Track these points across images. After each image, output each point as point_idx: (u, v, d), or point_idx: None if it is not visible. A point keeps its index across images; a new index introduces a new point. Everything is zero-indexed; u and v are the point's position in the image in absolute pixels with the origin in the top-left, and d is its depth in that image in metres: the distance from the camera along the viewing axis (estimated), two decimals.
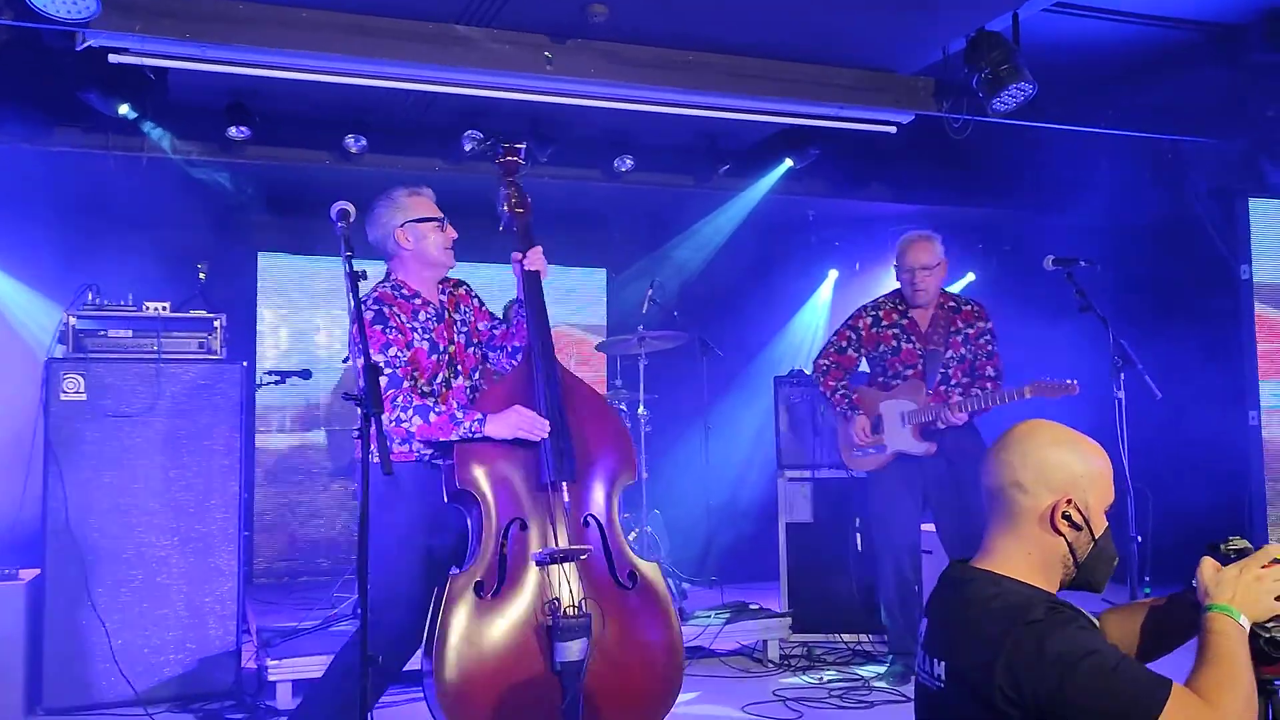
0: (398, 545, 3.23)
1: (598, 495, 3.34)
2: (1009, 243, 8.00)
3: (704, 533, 6.56)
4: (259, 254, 7.24)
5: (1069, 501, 1.72)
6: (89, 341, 4.61)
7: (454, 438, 3.18)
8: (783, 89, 5.41)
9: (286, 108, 5.80)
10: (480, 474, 3.23)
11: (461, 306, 3.53)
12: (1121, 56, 5.61)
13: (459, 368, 3.42)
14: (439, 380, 3.34)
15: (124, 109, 5.25)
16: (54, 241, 6.10)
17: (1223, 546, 1.76)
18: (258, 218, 6.81)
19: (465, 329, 3.50)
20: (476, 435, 3.19)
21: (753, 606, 5.38)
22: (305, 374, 5.74)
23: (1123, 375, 4.10)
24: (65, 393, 4.51)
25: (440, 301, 3.46)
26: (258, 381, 6.40)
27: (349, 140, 5.87)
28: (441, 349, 3.37)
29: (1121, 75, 5.77)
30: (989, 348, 4.76)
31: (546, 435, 3.21)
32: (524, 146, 3.57)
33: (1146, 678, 1.59)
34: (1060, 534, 1.73)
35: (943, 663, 1.72)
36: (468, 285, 3.62)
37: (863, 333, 4.86)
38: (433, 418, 3.18)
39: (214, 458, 4.68)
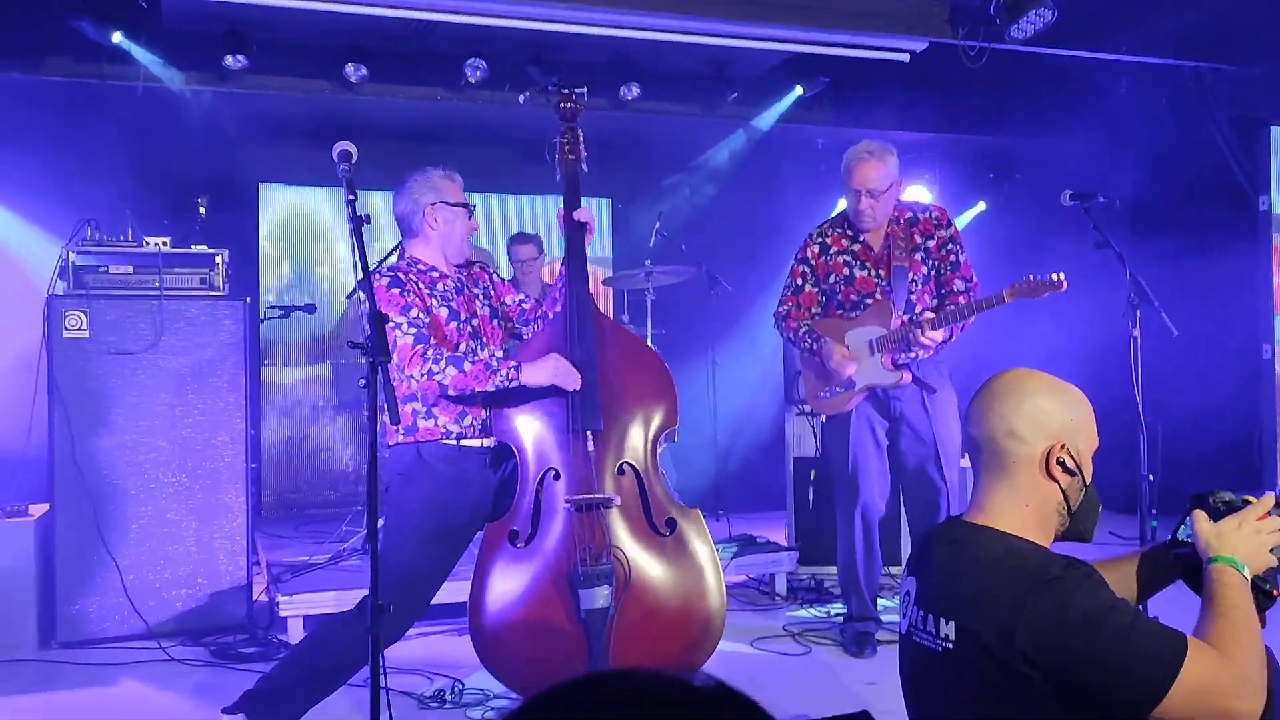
0: (410, 527, 3.18)
1: (634, 442, 3.32)
2: (1021, 171, 7.87)
3: (711, 466, 6.57)
4: (259, 185, 7.13)
5: (1062, 446, 1.71)
6: (90, 278, 4.55)
7: (490, 387, 3.15)
8: (794, 16, 5.25)
9: (284, 36, 5.66)
10: (514, 425, 3.27)
11: (480, 282, 3.48)
12: None
13: (484, 339, 3.36)
14: (463, 350, 3.26)
15: (117, 37, 5.13)
16: (49, 174, 5.99)
17: (1211, 499, 1.77)
18: (257, 149, 6.70)
19: (488, 301, 3.45)
20: (513, 383, 3.16)
21: (760, 540, 5.40)
22: (310, 308, 5.69)
23: (1138, 312, 4.01)
24: (68, 330, 4.47)
25: (458, 278, 3.40)
26: (261, 316, 6.36)
27: (349, 69, 5.74)
28: (463, 318, 3.30)
29: (1143, 0, 5.60)
30: (953, 258, 4.15)
31: (579, 387, 3.20)
32: (584, 91, 3.50)
33: (1164, 633, 1.58)
34: (1055, 480, 1.71)
35: (951, 623, 1.67)
36: (483, 263, 3.60)
37: (813, 262, 4.29)
38: (467, 367, 3.13)
39: (219, 394, 4.66)
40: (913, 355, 4.09)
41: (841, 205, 8.05)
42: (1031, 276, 3.69)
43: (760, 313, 7.38)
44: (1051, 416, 1.72)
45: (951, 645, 1.67)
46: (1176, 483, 4.86)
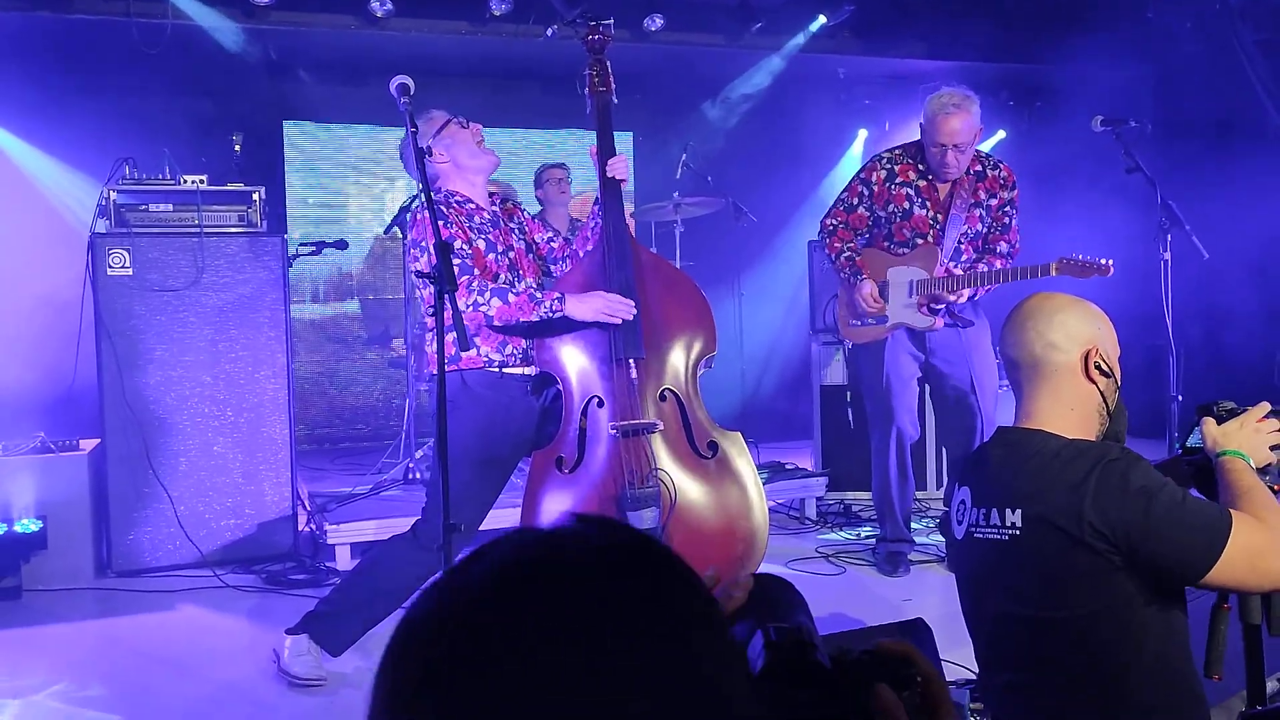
0: (459, 452, 3.21)
1: (675, 369, 3.40)
2: (1041, 98, 7.84)
3: (738, 394, 6.67)
4: (284, 122, 7.14)
5: (1096, 351, 1.89)
6: (130, 216, 4.61)
7: (534, 318, 3.21)
8: None
9: None
10: (557, 355, 3.33)
11: (515, 217, 3.53)
12: None
13: (521, 272, 3.41)
14: (502, 281, 3.32)
15: None
16: (78, 113, 6.03)
17: (1215, 407, 1.97)
18: (282, 85, 6.70)
19: (523, 236, 3.51)
20: (556, 314, 3.22)
21: (789, 466, 5.51)
22: (341, 244, 5.74)
23: (1169, 236, 4.05)
24: (112, 268, 4.54)
25: (494, 212, 3.45)
26: (292, 252, 6.42)
27: (374, 4, 5.73)
28: (500, 251, 3.36)
29: None
30: (1006, 219, 4.22)
31: (631, 316, 3.24)
32: (610, 22, 3.53)
33: (1211, 505, 1.78)
34: (1093, 382, 1.88)
35: (1018, 510, 1.81)
36: (515, 200, 3.66)
37: (875, 187, 4.24)
38: (511, 298, 3.19)
39: (260, 329, 4.75)
40: (951, 299, 4.13)
41: (864, 135, 8.08)
42: (1080, 256, 3.78)
43: (786, 242, 7.43)
44: (1081, 327, 1.91)
45: (1019, 531, 1.81)
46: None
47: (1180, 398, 4.20)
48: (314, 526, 4.84)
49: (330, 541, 4.56)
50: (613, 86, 3.53)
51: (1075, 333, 1.89)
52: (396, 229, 5.45)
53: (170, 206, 4.66)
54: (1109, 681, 1.77)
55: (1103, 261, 3.76)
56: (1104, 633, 1.76)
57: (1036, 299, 1.96)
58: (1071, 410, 1.88)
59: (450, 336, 3.32)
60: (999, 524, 1.85)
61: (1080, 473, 1.75)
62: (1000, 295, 4.54)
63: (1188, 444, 2.01)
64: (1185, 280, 4.43)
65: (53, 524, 4.37)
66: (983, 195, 4.21)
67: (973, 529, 1.91)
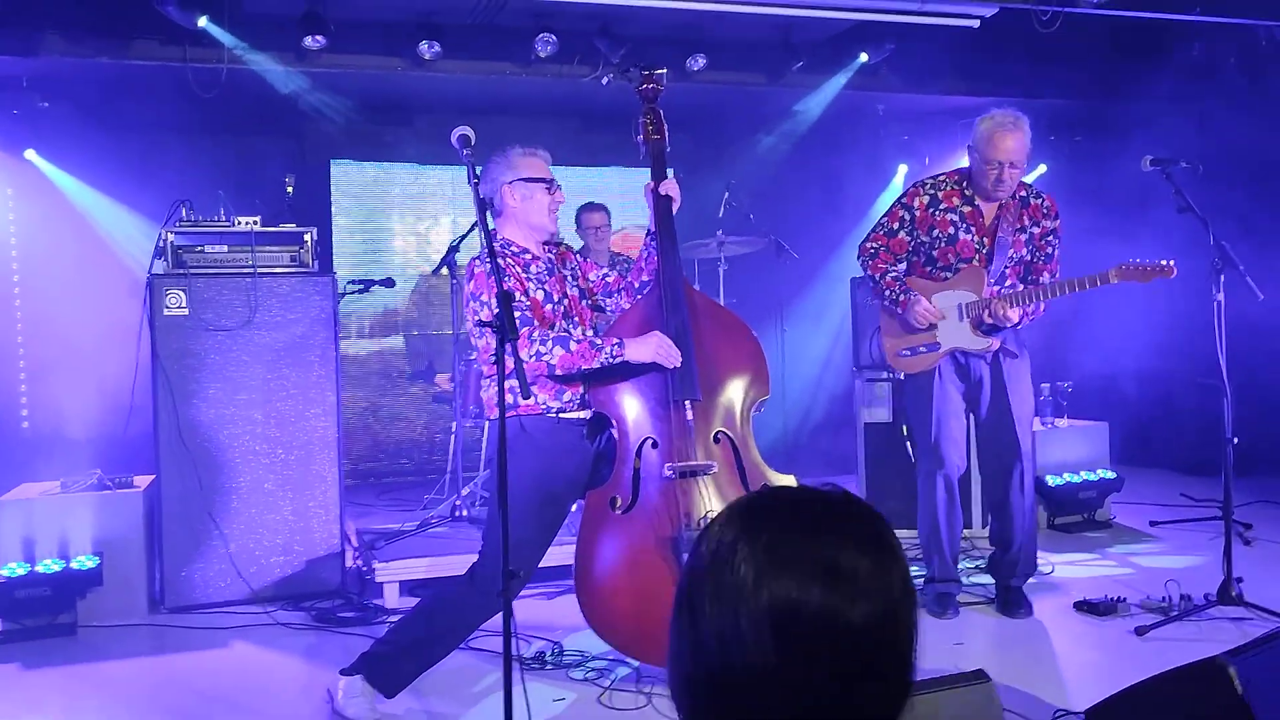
0: (518, 496, 3.24)
1: (729, 412, 3.43)
2: (1082, 132, 7.82)
3: (780, 429, 6.66)
4: (331, 162, 7.26)
5: None
6: (187, 257, 4.70)
7: (595, 364, 3.25)
8: None
9: (360, 15, 5.76)
10: (612, 397, 3.37)
11: (568, 262, 3.57)
12: None
13: (575, 319, 3.45)
14: (558, 330, 3.36)
15: (203, 21, 5.25)
16: (133, 155, 6.17)
17: None
18: (330, 126, 6.82)
19: (576, 282, 3.54)
20: (617, 359, 3.26)
21: None
22: (389, 282, 5.82)
23: (1223, 277, 4.02)
24: (169, 308, 4.63)
25: (549, 259, 3.49)
26: (341, 290, 6.50)
27: (422, 46, 5.82)
28: (556, 299, 3.40)
29: None
30: (1049, 249, 4.23)
31: (679, 363, 3.29)
32: (664, 72, 3.59)
33: None
34: None
35: None
36: (568, 245, 3.69)
37: (917, 213, 4.23)
38: (573, 346, 3.23)
39: (311, 368, 4.81)
40: (987, 319, 4.11)
41: (904, 170, 8.09)
42: (1139, 260, 3.75)
43: (828, 278, 7.44)
44: None
45: None
46: (1261, 448, 4.85)
47: (1235, 440, 4.15)
48: (361, 564, 4.88)
49: (379, 579, 4.59)
50: (666, 134, 3.59)
51: None
52: (445, 269, 5.51)
53: (225, 247, 4.75)
54: None
55: (1164, 263, 3.73)
56: None
57: None
58: None
59: (510, 384, 3.36)
60: None
61: None
62: (1041, 324, 4.52)
63: None
64: (1239, 321, 4.39)
65: (108, 560, 4.43)
66: (1026, 221, 4.22)
67: None
